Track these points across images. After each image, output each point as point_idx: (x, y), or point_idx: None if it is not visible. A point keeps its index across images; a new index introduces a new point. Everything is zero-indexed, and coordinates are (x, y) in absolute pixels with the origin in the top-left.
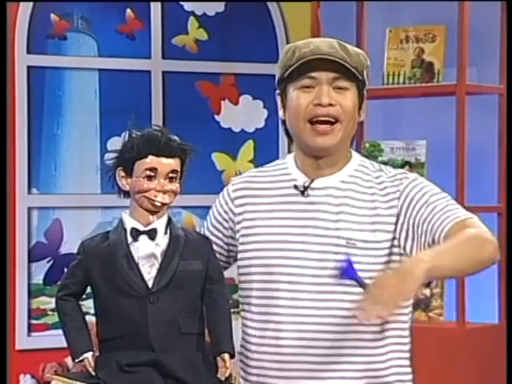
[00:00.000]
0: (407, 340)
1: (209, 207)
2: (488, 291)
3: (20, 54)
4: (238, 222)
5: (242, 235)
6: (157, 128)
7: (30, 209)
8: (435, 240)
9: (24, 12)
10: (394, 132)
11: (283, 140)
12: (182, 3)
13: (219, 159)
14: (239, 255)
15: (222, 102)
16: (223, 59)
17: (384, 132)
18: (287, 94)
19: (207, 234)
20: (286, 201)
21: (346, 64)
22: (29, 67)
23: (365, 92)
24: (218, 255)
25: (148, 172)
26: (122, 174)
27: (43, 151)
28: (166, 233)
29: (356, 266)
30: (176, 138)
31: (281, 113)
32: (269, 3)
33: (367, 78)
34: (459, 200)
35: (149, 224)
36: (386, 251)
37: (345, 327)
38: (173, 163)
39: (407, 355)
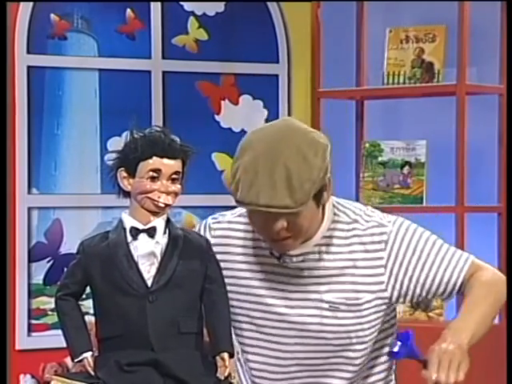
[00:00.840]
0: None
1: (209, 207)
2: None
3: (20, 54)
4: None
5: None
6: (158, 129)
7: (30, 209)
8: (431, 295)
9: (24, 12)
10: (394, 132)
11: None
12: (181, 3)
13: (219, 159)
14: None
15: (222, 101)
16: (223, 59)
17: (384, 132)
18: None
19: None
20: (265, 262)
21: (290, 211)
22: (29, 67)
23: (327, 179)
24: None
25: (152, 173)
26: (124, 174)
27: (43, 151)
28: (165, 232)
29: (342, 329)
30: (177, 139)
31: None
32: (269, 3)
33: (328, 157)
34: (459, 200)
35: (149, 223)
36: (372, 310)
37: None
38: (175, 164)
39: None
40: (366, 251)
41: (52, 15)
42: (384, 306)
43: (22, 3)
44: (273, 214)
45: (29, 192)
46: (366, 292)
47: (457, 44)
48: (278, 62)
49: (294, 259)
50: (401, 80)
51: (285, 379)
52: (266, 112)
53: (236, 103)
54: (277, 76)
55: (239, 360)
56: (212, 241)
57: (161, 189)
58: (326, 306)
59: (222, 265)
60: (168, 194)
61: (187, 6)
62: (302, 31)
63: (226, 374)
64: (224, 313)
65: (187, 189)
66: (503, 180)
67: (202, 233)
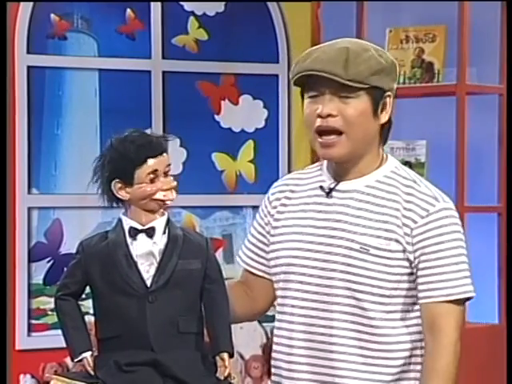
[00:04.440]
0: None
1: (209, 207)
2: (488, 291)
3: (20, 54)
4: (271, 215)
5: (273, 227)
6: (133, 131)
7: (30, 209)
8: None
9: (24, 12)
10: (394, 132)
11: (283, 140)
12: (181, 3)
13: (219, 159)
14: (269, 248)
15: (222, 101)
16: (223, 59)
17: None
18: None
19: (249, 246)
20: (312, 201)
21: (338, 79)
22: (29, 67)
23: (387, 94)
24: (266, 262)
25: (151, 175)
26: (119, 185)
27: (43, 151)
28: (164, 232)
29: (367, 273)
30: (153, 133)
31: None
32: (269, 3)
33: (392, 77)
34: (459, 200)
35: (149, 223)
36: (398, 262)
37: (355, 333)
38: (166, 158)
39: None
40: (410, 210)
41: (52, 15)
42: (406, 263)
43: (21, 3)
44: (327, 96)
45: (29, 192)
46: (398, 243)
47: (457, 44)
48: (277, 62)
49: (342, 194)
50: (401, 80)
51: (303, 323)
52: (266, 112)
53: (236, 103)
54: (277, 76)
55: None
56: (271, 192)
57: (163, 187)
58: (357, 246)
59: (278, 203)
60: (170, 189)
61: (187, 5)
62: (302, 31)
63: (226, 374)
64: (224, 312)
65: (187, 189)
66: (503, 180)
67: (265, 197)
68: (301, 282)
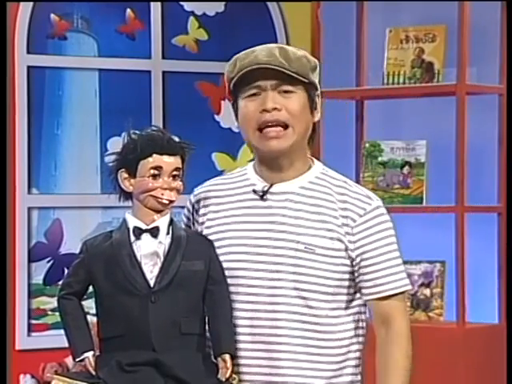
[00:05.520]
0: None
1: None
2: (488, 291)
3: (20, 54)
4: (201, 224)
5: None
6: (155, 128)
7: (29, 209)
8: (361, 289)
9: (24, 12)
10: (394, 132)
11: None
12: (182, 3)
13: (219, 159)
14: None
15: (222, 102)
16: (223, 59)
17: (384, 132)
18: (238, 104)
19: None
20: (246, 205)
21: (285, 70)
22: (29, 67)
23: (317, 93)
24: None
25: (153, 171)
26: (125, 175)
27: (43, 151)
28: (168, 233)
29: (314, 272)
30: (175, 136)
31: (236, 123)
32: (269, 3)
33: (318, 78)
34: (459, 200)
35: (152, 223)
36: (341, 260)
37: (300, 332)
38: (175, 161)
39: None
40: (346, 209)
41: (52, 15)
42: (349, 268)
43: (21, 3)
44: (269, 92)
45: (29, 192)
46: (340, 241)
47: (457, 44)
48: None
49: (277, 197)
50: (401, 80)
51: (251, 326)
52: None
53: None
54: None
55: None
56: (194, 196)
57: (163, 186)
58: (302, 247)
59: (207, 210)
60: (171, 190)
61: (187, 5)
62: (302, 31)
63: (227, 375)
64: (226, 314)
65: (187, 189)
66: (503, 180)
67: (187, 202)
68: (249, 286)
